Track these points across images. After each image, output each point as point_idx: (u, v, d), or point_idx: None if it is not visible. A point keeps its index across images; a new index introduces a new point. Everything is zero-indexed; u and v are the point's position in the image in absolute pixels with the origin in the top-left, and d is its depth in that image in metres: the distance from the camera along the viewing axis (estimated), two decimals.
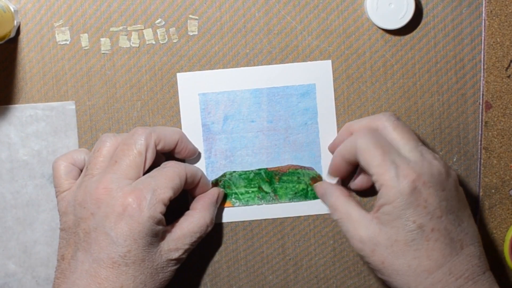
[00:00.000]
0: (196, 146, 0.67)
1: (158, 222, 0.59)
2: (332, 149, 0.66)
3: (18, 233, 0.67)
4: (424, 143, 0.65)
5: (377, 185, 0.59)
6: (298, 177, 0.67)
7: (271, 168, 0.67)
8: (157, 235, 0.59)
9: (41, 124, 0.66)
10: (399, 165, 0.58)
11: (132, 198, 0.58)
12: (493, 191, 0.68)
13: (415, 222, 0.57)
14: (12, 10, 0.63)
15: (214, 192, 0.65)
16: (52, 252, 0.67)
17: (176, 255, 0.61)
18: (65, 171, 0.62)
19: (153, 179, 0.60)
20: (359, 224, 0.59)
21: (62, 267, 0.60)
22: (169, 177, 0.60)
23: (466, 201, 0.61)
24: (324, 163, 0.67)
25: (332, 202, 0.62)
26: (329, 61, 0.67)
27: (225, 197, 0.67)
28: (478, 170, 0.68)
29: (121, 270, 0.58)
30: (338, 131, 0.67)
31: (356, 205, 0.61)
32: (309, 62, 0.67)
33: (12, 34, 0.64)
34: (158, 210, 0.59)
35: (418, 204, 0.57)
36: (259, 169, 0.67)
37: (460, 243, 0.58)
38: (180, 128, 0.67)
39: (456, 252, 0.58)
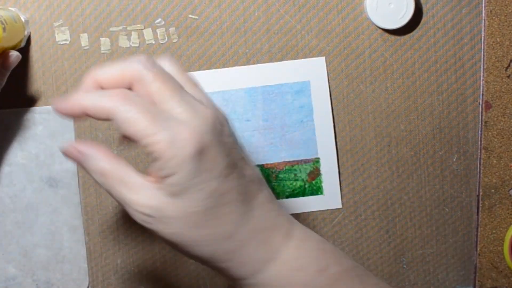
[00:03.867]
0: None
1: None
2: (66, 107, 0.50)
3: (18, 237, 0.66)
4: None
5: (153, 157, 0.49)
6: (295, 174, 0.67)
7: (268, 164, 0.67)
8: None
9: (39, 127, 0.66)
10: (173, 128, 0.48)
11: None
12: (493, 191, 0.68)
13: (208, 189, 0.50)
14: (23, 20, 0.63)
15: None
16: (52, 256, 0.67)
17: None
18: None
19: None
20: (141, 194, 0.50)
21: None
22: None
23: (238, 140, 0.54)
24: (322, 160, 0.67)
25: (97, 168, 0.51)
26: (323, 58, 0.66)
27: None
28: (478, 170, 0.68)
29: None
30: (335, 128, 0.67)
31: (130, 170, 0.51)
32: (302, 60, 0.66)
33: (23, 44, 0.64)
34: None
35: (206, 168, 0.49)
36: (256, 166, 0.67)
37: (251, 194, 0.52)
38: None
39: (251, 206, 0.52)
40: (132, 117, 0.48)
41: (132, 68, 0.50)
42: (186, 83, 0.52)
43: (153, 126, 0.48)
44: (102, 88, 0.51)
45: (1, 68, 0.60)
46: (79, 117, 0.50)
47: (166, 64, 0.52)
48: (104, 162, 0.50)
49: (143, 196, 0.50)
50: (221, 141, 0.50)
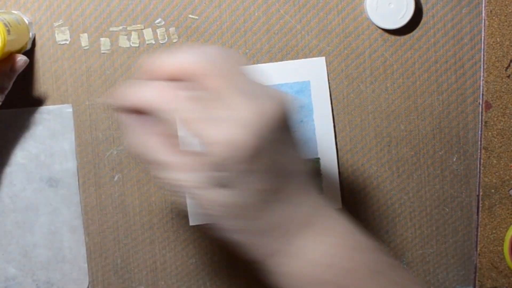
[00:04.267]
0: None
1: None
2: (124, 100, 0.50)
3: (18, 236, 0.66)
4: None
5: (208, 154, 0.48)
6: None
7: None
8: None
9: (39, 127, 0.66)
10: (230, 130, 0.46)
11: None
12: (492, 191, 0.68)
13: (253, 188, 0.49)
14: (27, 22, 0.63)
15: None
16: (52, 256, 0.67)
17: None
18: None
19: None
20: (184, 173, 0.49)
21: None
22: None
23: (291, 131, 0.52)
24: (322, 160, 0.67)
25: (137, 139, 0.50)
26: (323, 58, 0.66)
27: None
28: (478, 170, 0.68)
29: None
30: (335, 128, 0.67)
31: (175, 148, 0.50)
32: (303, 60, 0.66)
33: (28, 46, 0.64)
34: None
35: (257, 169, 0.48)
36: None
37: (293, 190, 0.51)
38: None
39: (290, 200, 0.50)
40: (192, 117, 0.47)
41: (191, 60, 0.48)
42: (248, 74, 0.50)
43: (210, 128, 0.47)
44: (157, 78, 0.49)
45: (9, 72, 0.60)
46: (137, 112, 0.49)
47: (229, 55, 0.50)
48: (150, 138, 0.50)
49: (190, 175, 0.49)
50: (278, 139, 0.49)
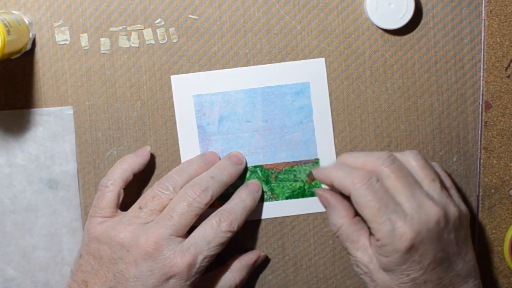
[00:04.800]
0: (192, 148, 0.66)
1: (197, 283, 0.61)
2: (320, 176, 0.63)
3: (17, 238, 0.66)
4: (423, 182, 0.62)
5: (374, 235, 0.59)
6: (295, 175, 0.67)
7: (267, 165, 0.67)
8: None
9: (39, 129, 0.66)
10: (395, 222, 0.57)
11: (182, 261, 0.59)
12: (492, 191, 0.68)
13: (409, 276, 0.58)
14: (27, 22, 0.63)
15: (252, 255, 0.66)
16: (51, 257, 0.66)
17: None
18: (114, 200, 0.63)
19: (205, 240, 0.60)
20: (362, 254, 0.61)
21: None
22: (219, 237, 0.61)
23: (467, 235, 0.61)
24: (322, 161, 0.67)
25: (335, 221, 0.62)
26: (323, 59, 0.66)
27: (222, 197, 0.66)
28: (478, 170, 0.68)
29: None
30: (334, 129, 0.67)
31: (359, 232, 0.61)
32: (302, 61, 0.66)
33: (28, 47, 0.64)
34: (200, 273, 0.60)
35: (413, 260, 0.58)
36: (255, 166, 0.67)
37: (452, 286, 0.59)
38: (175, 128, 0.66)
39: None
40: (365, 203, 0.58)
41: (373, 162, 0.60)
42: (425, 179, 0.60)
43: (380, 216, 0.58)
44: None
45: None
46: (330, 186, 0.62)
47: (410, 159, 0.61)
48: (342, 219, 0.61)
49: (362, 256, 0.60)
50: (438, 237, 0.58)
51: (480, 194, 0.68)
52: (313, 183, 0.67)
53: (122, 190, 0.63)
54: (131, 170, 0.64)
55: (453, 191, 0.63)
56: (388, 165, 0.59)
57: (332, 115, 0.67)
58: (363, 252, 0.60)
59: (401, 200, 0.59)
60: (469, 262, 0.60)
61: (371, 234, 0.60)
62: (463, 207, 0.61)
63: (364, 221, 0.60)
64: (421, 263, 0.58)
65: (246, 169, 0.67)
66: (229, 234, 0.61)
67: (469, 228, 0.62)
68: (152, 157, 0.66)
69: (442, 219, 0.58)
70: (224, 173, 0.64)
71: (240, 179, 0.66)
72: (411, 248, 0.57)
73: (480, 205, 0.68)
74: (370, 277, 0.60)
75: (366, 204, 0.58)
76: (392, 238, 0.57)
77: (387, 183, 0.59)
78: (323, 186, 0.66)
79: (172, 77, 0.66)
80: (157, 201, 0.61)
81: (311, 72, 0.67)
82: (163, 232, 0.59)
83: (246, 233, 0.68)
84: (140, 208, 0.62)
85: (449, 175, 0.66)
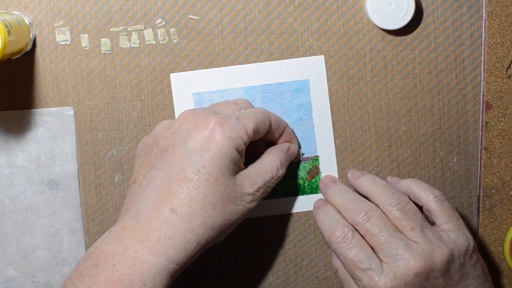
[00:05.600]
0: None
1: (238, 148, 0.58)
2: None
3: (18, 238, 0.66)
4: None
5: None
6: (294, 172, 0.67)
7: None
8: (235, 162, 0.58)
9: (40, 129, 0.66)
10: (371, 277, 0.59)
11: (216, 118, 0.58)
12: (493, 191, 0.68)
13: None
14: (27, 22, 0.63)
15: (285, 144, 0.65)
16: (51, 258, 0.66)
17: (251, 189, 0.59)
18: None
19: (238, 111, 0.60)
20: None
21: (133, 190, 0.59)
22: (254, 112, 0.60)
23: (472, 265, 0.61)
24: (321, 158, 0.67)
25: (334, 263, 0.64)
26: (322, 56, 0.66)
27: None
28: (479, 171, 0.68)
29: (192, 184, 0.56)
30: (335, 130, 0.67)
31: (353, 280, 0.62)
32: (302, 58, 0.66)
33: (29, 47, 0.64)
34: (239, 135, 0.58)
35: None
36: None
37: None
38: None
39: None
40: (343, 259, 0.60)
41: (350, 216, 0.62)
42: (405, 228, 0.60)
43: (357, 272, 0.59)
44: None
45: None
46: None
47: (390, 208, 0.61)
48: (339, 263, 0.63)
49: None
50: (424, 286, 0.58)
51: (481, 194, 0.68)
52: (313, 180, 0.67)
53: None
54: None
55: (450, 224, 0.61)
56: (364, 223, 0.60)
57: (333, 116, 0.67)
58: None
59: (378, 253, 0.60)
60: None
61: None
62: (460, 240, 0.60)
63: None
64: None
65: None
66: (260, 116, 0.61)
67: (473, 257, 0.61)
68: None
69: (422, 271, 0.58)
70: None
71: None
72: None
73: (481, 206, 0.68)
74: None
75: (344, 260, 0.60)
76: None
77: (365, 236, 0.61)
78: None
79: (171, 75, 0.66)
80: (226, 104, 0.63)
81: (311, 70, 0.67)
82: (201, 109, 0.60)
83: (247, 232, 0.68)
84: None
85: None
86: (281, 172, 0.62)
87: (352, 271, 0.59)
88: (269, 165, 0.61)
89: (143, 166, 0.60)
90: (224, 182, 0.57)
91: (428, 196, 0.62)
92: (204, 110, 0.60)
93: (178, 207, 0.56)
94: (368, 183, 0.64)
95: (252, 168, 0.61)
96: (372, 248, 0.60)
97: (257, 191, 0.60)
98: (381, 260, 0.59)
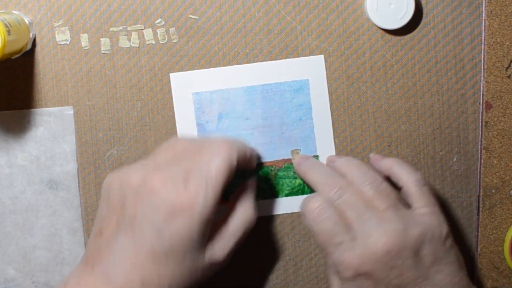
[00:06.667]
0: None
1: (208, 224, 0.57)
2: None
3: (18, 238, 0.66)
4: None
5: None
6: (294, 172, 0.67)
7: (267, 162, 0.67)
8: (204, 237, 0.58)
9: (40, 129, 0.66)
10: (342, 252, 0.58)
11: (188, 197, 0.56)
12: (493, 191, 0.68)
13: None
14: (27, 22, 0.63)
15: (251, 184, 0.64)
16: (51, 258, 0.66)
17: (221, 256, 0.59)
18: None
19: (206, 178, 0.57)
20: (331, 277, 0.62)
21: (100, 243, 0.58)
22: (222, 170, 0.58)
23: (444, 251, 0.59)
24: (321, 158, 0.67)
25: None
26: (321, 56, 0.66)
27: (224, 196, 0.67)
28: (478, 170, 0.68)
29: (161, 262, 0.56)
30: (335, 130, 0.67)
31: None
32: (301, 58, 0.66)
33: (29, 47, 0.64)
34: (210, 211, 0.57)
35: (366, 287, 0.58)
36: None
37: None
38: (176, 128, 0.66)
39: None
40: (316, 230, 0.60)
41: (326, 189, 0.61)
42: (380, 205, 0.60)
43: (328, 246, 0.59)
44: None
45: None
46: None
47: (364, 185, 0.61)
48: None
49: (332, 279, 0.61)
50: (389, 266, 0.58)
51: (481, 194, 0.68)
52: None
53: None
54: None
55: (427, 209, 0.61)
56: (337, 198, 0.60)
57: (332, 115, 0.67)
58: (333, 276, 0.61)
59: (351, 229, 0.59)
60: (442, 282, 0.59)
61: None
62: (434, 224, 0.60)
63: None
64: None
65: (257, 168, 0.67)
66: (229, 172, 0.59)
67: (446, 243, 0.60)
68: None
69: (392, 249, 0.57)
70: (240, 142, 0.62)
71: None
72: (357, 277, 0.58)
73: (481, 205, 0.68)
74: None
75: (317, 234, 0.59)
76: (339, 266, 0.58)
77: (339, 210, 0.60)
78: None
79: (171, 74, 0.66)
80: (173, 151, 0.60)
81: (310, 69, 0.67)
82: (172, 171, 0.58)
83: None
84: (155, 155, 0.61)
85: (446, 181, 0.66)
86: (255, 217, 0.62)
87: (324, 245, 0.59)
88: (240, 221, 0.61)
89: (110, 220, 0.58)
90: (193, 256, 0.57)
91: (409, 179, 0.61)
92: (174, 175, 0.58)
93: (147, 282, 0.56)
94: (342, 164, 0.63)
95: (223, 229, 0.60)
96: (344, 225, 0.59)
97: (229, 253, 0.60)
98: (353, 237, 0.59)
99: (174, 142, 0.61)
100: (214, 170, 0.57)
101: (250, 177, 0.65)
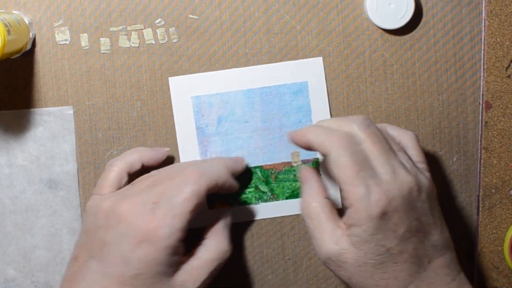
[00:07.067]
0: (191, 149, 0.66)
1: (175, 252, 0.57)
2: (295, 137, 0.60)
3: (18, 238, 0.66)
4: (394, 146, 0.61)
5: (345, 202, 0.57)
6: (295, 175, 0.67)
7: (267, 165, 0.67)
8: (172, 266, 0.58)
9: (39, 129, 0.66)
10: (371, 186, 0.55)
11: (154, 225, 0.57)
12: (493, 191, 0.68)
13: (384, 247, 0.56)
14: (27, 22, 0.63)
15: (225, 216, 0.63)
16: (51, 257, 0.66)
17: (193, 286, 0.59)
18: (114, 179, 0.62)
19: (173, 205, 0.57)
20: (328, 238, 0.58)
21: (75, 268, 0.59)
22: (188, 199, 0.58)
23: (439, 209, 0.60)
24: (321, 161, 0.67)
25: (306, 200, 0.60)
26: (320, 58, 0.66)
27: (225, 198, 0.67)
28: (478, 170, 0.68)
29: None
30: None
31: (329, 214, 0.59)
32: (300, 60, 0.66)
33: (28, 47, 0.64)
34: (176, 239, 0.57)
35: (388, 229, 0.56)
36: (255, 167, 0.67)
37: (428, 258, 0.57)
38: (175, 131, 0.66)
39: (424, 268, 0.57)
40: (343, 163, 0.56)
41: (348, 126, 0.58)
42: (401, 148, 0.60)
43: (356, 178, 0.55)
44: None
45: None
46: (306, 147, 0.59)
47: (386, 127, 0.62)
48: (316, 196, 0.59)
49: (329, 239, 0.57)
50: (411, 206, 0.56)
51: (481, 194, 0.68)
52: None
53: (126, 175, 0.62)
54: (140, 158, 0.63)
55: (424, 165, 0.61)
56: (363, 130, 0.58)
57: (332, 114, 0.67)
58: (330, 234, 0.58)
59: (376, 165, 0.57)
60: (445, 234, 0.59)
61: (341, 216, 0.58)
62: (431, 182, 0.60)
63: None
64: (395, 232, 0.56)
65: (251, 172, 0.67)
66: (198, 201, 0.58)
67: (439, 204, 0.60)
68: (169, 159, 0.66)
69: (415, 188, 0.57)
70: (211, 166, 0.61)
71: (244, 182, 0.67)
72: (384, 215, 0.55)
73: (481, 205, 0.68)
74: (338, 262, 0.58)
75: (344, 165, 0.56)
76: (366, 203, 0.55)
77: (362, 147, 0.57)
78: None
79: (170, 78, 0.66)
80: (150, 179, 0.61)
81: (309, 71, 0.67)
82: (141, 199, 0.58)
83: (246, 233, 0.67)
84: (132, 184, 0.62)
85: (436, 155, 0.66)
86: (230, 253, 0.61)
87: (352, 178, 0.56)
88: (213, 255, 0.60)
89: (84, 245, 0.59)
90: (161, 283, 0.57)
91: (409, 134, 0.62)
92: (144, 201, 0.58)
93: None
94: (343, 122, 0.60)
95: (196, 259, 0.59)
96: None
97: (202, 285, 0.59)
98: (377, 173, 0.56)
99: (158, 170, 0.62)
100: (181, 198, 0.57)
101: (224, 211, 0.65)
